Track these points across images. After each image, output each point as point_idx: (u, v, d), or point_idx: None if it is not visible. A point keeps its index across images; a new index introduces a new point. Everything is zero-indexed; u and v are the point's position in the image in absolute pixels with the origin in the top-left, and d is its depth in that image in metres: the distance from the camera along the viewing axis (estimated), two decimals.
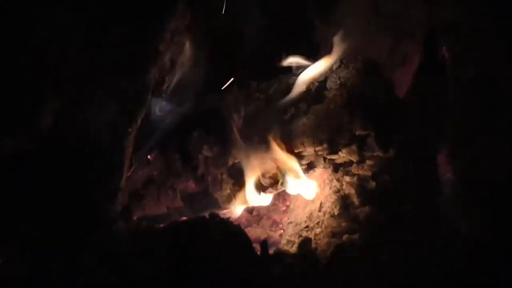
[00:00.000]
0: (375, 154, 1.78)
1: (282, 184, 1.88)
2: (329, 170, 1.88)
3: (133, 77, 1.76)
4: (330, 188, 1.83)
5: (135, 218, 1.94)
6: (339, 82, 1.89)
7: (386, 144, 1.77)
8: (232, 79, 2.18)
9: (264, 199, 1.94)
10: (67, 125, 1.67)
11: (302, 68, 2.02)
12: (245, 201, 1.92)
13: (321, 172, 1.94)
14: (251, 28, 2.28)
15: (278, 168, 1.86)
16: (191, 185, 1.95)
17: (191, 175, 1.94)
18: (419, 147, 1.80)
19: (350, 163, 1.82)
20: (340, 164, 1.84)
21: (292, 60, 2.09)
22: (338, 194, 1.78)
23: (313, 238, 1.75)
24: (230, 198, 1.93)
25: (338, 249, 1.64)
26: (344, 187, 1.78)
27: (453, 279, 1.56)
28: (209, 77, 2.15)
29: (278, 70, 2.12)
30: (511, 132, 1.72)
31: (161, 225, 1.82)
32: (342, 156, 1.82)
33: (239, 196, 1.92)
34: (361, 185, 1.75)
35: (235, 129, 1.90)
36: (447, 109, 1.82)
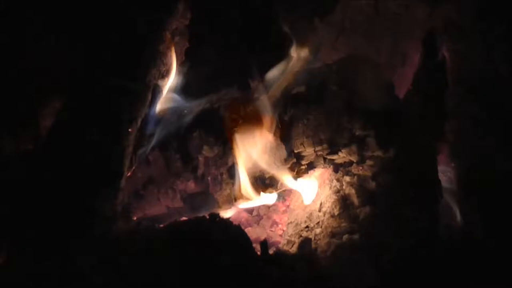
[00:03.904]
0: (375, 154, 1.78)
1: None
2: (329, 170, 1.88)
3: (133, 77, 1.76)
4: (330, 188, 1.82)
5: (135, 218, 1.94)
6: (339, 82, 1.89)
7: (386, 144, 1.77)
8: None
9: (268, 198, 1.95)
10: (67, 125, 1.67)
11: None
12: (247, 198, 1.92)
13: (321, 172, 1.94)
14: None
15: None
16: (191, 185, 1.95)
17: (191, 175, 1.94)
18: (419, 147, 1.80)
19: (350, 163, 1.82)
20: (340, 164, 1.84)
21: None
22: (338, 194, 1.78)
23: (313, 238, 1.75)
24: (230, 198, 1.93)
25: (338, 249, 1.64)
26: (344, 187, 1.78)
27: (453, 278, 1.56)
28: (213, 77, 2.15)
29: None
30: (511, 132, 1.72)
31: (161, 225, 1.82)
32: (342, 156, 1.82)
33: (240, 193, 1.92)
34: (361, 185, 1.75)
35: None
36: (447, 109, 1.82)
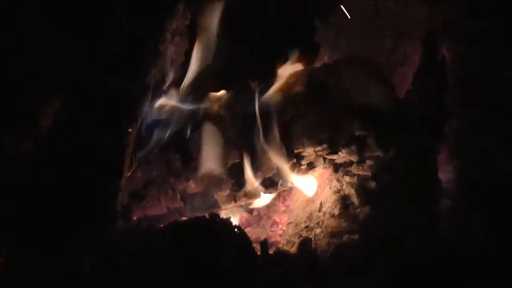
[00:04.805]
0: (375, 154, 1.78)
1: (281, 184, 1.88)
2: (329, 170, 1.88)
3: (133, 77, 1.76)
4: (330, 188, 1.83)
5: (135, 218, 1.94)
6: (339, 82, 1.89)
7: (386, 144, 1.78)
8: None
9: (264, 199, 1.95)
10: (67, 125, 1.67)
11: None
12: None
13: (321, 172, 1.94)
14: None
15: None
16: (191, 185, 1.95)
17: (191, 175, 1.94)
18: (419, 147, 1.80)
19: (350, 163, 1.82)
20: (340, 164, 1.84)
21: None
22: (338, 194, 1.78)
23: (313, 238, 1.75)
24: (230, 198, 1.93)
25: (338, 249, 1.64)
26: (344, 187, 1.79)
27: (453, 278, 1.56)
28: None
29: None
30: (511, 133, 1.72)
31: (161, 225, 1.82)
32: (342, 156, 1.82)
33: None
34: (361, 185, 1.75)
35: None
36: (447, 109, 1.82)
